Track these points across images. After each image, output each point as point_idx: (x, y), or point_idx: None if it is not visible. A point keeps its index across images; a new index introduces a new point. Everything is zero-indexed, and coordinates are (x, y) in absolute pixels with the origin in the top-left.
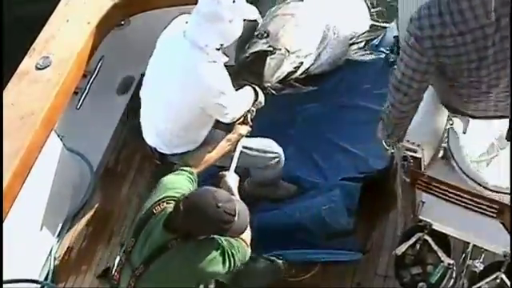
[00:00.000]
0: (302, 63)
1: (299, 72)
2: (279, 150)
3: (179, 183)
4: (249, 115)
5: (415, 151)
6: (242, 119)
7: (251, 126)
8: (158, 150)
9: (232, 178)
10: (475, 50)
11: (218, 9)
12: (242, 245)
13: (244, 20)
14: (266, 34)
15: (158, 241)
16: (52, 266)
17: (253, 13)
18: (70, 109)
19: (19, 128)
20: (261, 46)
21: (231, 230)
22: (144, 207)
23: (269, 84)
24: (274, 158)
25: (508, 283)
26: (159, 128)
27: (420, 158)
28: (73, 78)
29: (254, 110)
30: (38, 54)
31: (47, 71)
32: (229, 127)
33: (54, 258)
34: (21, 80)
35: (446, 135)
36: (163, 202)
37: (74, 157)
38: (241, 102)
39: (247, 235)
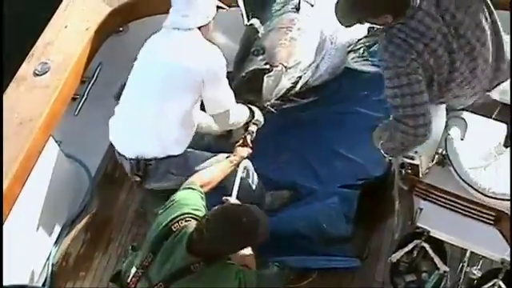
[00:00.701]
0: (300, 77)
1: (298, 86)
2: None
3: (194, 200)
4: (248, 137)
5: (413, 158)
6: (242, 141)
7: (252, 148)
8: (144, 158)
9: (235, 202)
10: (444, 51)
11: None
12: (253, 274)
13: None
14: (262, 51)
15: (180, 262)
16: (50, 272)
17: None
18: (68, 115)
19: (17, 134)
20: (257, 63)
21: (257, 240)
22: (158, 223)
23: (268, 102)
24: None
25: None
26: (149, 130)
27: (418, 165)
28: (71, 84)
29: (254, 131)
30: (37, 60)
31: (45, 77)
32: (230, 148)
33: (52, 264)
34: (19, 86)
35: (443, 142)
36: (182, 219)
37: (72, 162)
38: (238, 107)
39: (253, 261)
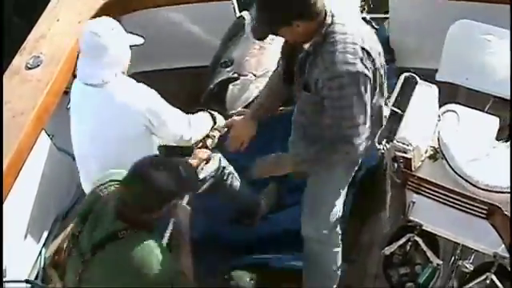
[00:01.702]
0: None
1: None
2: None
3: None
4: (209, 140)
5: (406, 152)
6: (201, 144)
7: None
8: None
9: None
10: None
11: (100, 41)
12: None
13: (131, 46)
14: (229, 63)
15: (108, 228)
16: (42, 266)
17: (137, 40)
18: (60, 108)
19: (9, 127)
20: (225, 74)
21: (174, 193)
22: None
23: (233, 111)
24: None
25: (498, 284)
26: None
27: (410, 159)
28: (63, 78)
29: (216, 136)
30: (29, 54)
31: (37, 71)
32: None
33: (44, 258)
34: (11, 79)
35: (436, 135)
36: (110, 185)
37: (64, 156)
38: (194, 122)
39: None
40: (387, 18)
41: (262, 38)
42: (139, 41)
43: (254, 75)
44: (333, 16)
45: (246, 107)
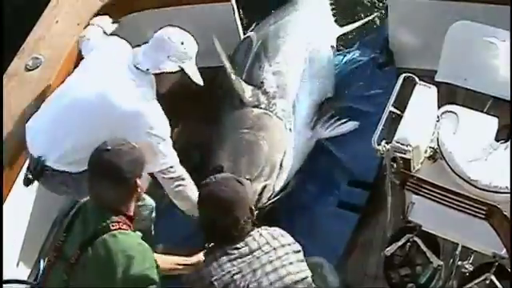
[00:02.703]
0: (264, 187)
1: (264, 199)
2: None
3: None
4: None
5: (405, 152)
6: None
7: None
8: (44, 163)
9: None
10: None
11: (166, 39)
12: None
13: (181, 70)
14: (220, 168)
15: (97, 223)
16: (42, 267)
17: (196, 77)
18: None
19: (9, 128)
20: None
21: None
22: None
23: None
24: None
25: (498, 284)
26: (64, 140)
27: (410, 160)
28: (62, 79)
29: None
30: (28, 55)
31: (37, 72)
32: None
33: (44, 259)
34: (10, 81)
35: (435, 136)
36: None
37: None
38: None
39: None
40: (386, 19)
41: None
42: (197, 79)
43: (250, 179)
44: None
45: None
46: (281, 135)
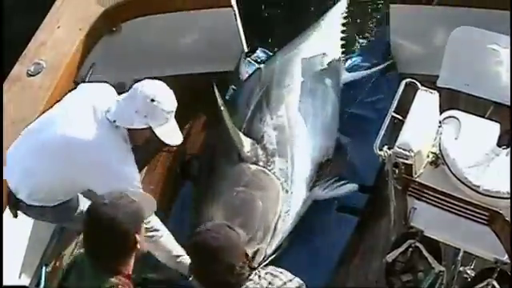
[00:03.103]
0: (256, 251)
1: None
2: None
3: None
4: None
5: (407, 158)
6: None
7: None
8: (16, 196)
9: None
10: None
11: (137, 94)
12: None
13: (149, 127)
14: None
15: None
16: (43, 273)
17: (175, 139)
18: None
19: (10, 134)
20: None
21: (136, 213)
22: None
23: None
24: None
25: None
26: (31, 177)
27: (411, 165)
28: (64, 84)
29: None
30: (30, 61)
31: (38, 77)
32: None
33: (45, 265)
34: (12, 86)
35: (437, 141)
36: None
37: None
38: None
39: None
40: (388, 25)
41: None
42: (175, 140)
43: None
44: None
45: None
46: (277, 196)
